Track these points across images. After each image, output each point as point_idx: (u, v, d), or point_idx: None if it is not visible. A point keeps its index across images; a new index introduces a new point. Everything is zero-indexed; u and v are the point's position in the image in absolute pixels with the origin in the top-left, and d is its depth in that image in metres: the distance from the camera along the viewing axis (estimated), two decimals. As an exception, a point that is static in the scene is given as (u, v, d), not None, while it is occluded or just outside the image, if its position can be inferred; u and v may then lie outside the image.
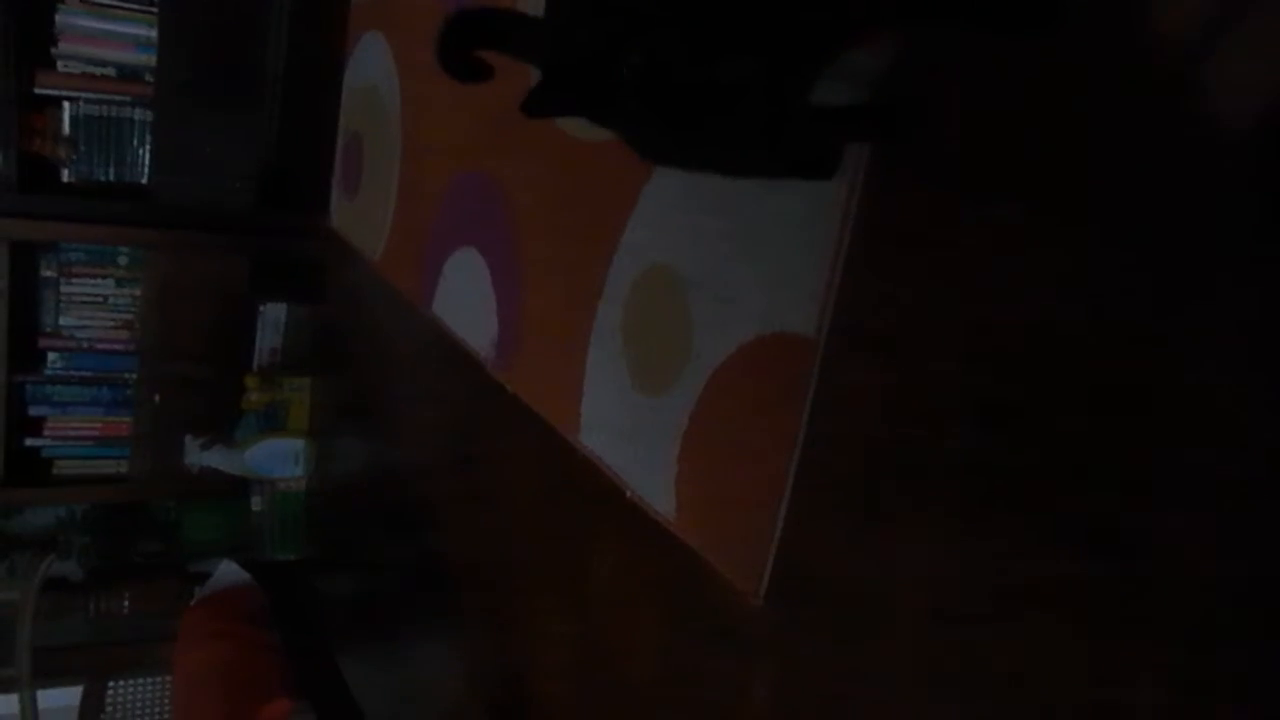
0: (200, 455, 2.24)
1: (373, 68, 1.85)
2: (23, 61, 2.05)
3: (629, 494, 1.10)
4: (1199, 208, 0.60)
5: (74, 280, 2.33)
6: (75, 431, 2.42)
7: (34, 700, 2.26)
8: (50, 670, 2.33)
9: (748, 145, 0.75)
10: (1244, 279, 0.58)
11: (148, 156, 2.23)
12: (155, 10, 2.14)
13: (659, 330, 1.06)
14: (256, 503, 2.35)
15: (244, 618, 2.00)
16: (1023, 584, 0.70)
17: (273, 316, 2.40)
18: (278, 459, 2.23)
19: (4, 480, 2.29)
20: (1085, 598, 0.66)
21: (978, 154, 0.74)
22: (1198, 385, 0.60)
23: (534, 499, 1.35)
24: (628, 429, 1.11)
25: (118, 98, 2.18)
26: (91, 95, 2.16)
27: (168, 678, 2.42)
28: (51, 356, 2.34)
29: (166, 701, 2.58)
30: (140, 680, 2.56)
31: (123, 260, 2.36)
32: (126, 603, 2.43)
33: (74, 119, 2.15)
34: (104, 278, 2.36)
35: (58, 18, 2.09)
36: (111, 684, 2.53)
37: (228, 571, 2.17)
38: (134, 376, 2.42)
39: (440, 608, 1.65)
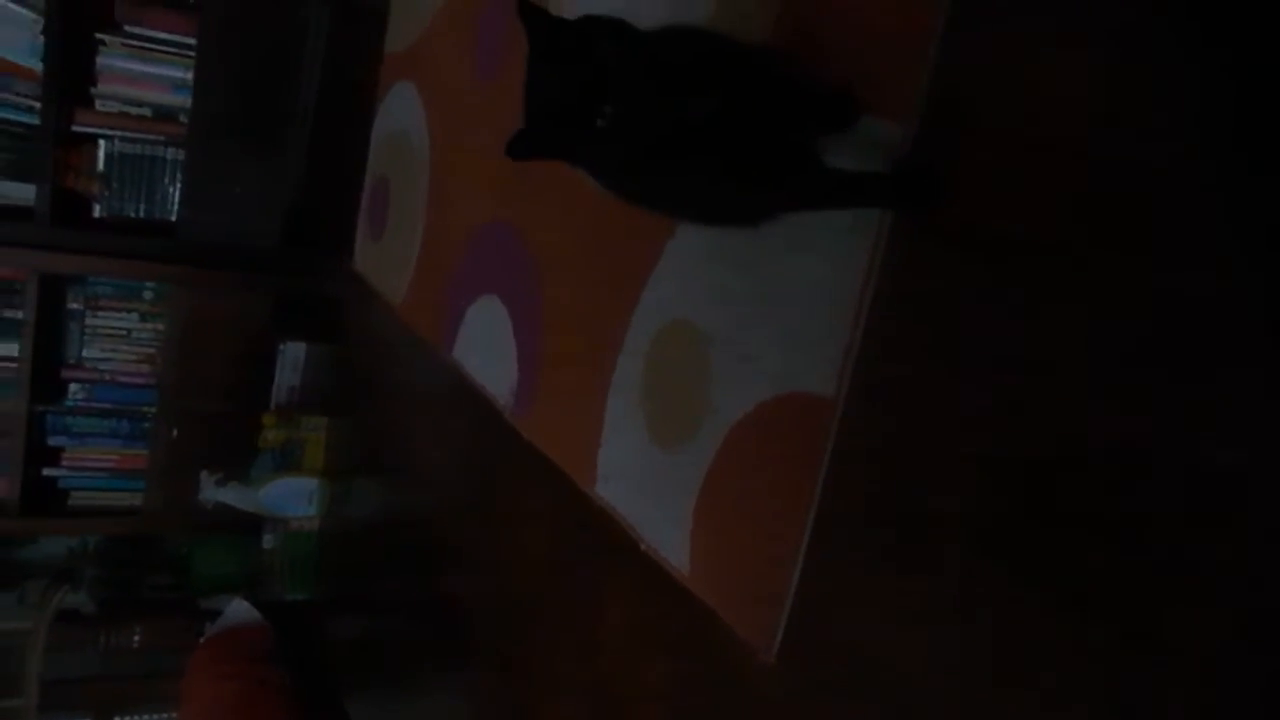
0: (215, 491, 2.25)
1: (403, 116, 1.88)
2: (63, 100, 2.10)
3: (644, 546, 1.11)
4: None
5: (100, 313, 2.36)
6: (92, 463, 2.43)
7: (40, 733, 2.25)
8: (58, 703, 2.32)
9: (721, 181, 0.81)
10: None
11: (178, 195, 2.27)
12: (193, 54, 2.19)
13: (678, 385, 1.07)
14: (268, 541, 2.35)
15: (253, 657, 2.00)
16: (1026, 653, 0.70)
17: (292, 355, 2.42)
18: (292, 498, 2.24)
19: (20, 509, 2.30)
20: (1089, 667, 0.66)
21: (999, 223, 0.75)
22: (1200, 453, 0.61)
23: (548, 546, 1.36)
24: (644, 482, 1.12)
25: (152, 137, 2.23)
26: (127, 134, 2.21)
27: (175, 715, 2.40)
28: (73, 388, 2.36)
29: (173, 738, 2.57)
30: (148, 716, 2.55)
31: (148, 295, 2.40)
32: (137, 637, 2.43)
33: (109, 156, 2.20)
34: (129, 311, 2.39)
35: (99, 59, 2.15)
36: (118, 719, 2.52)
37: (238, 609, 2.17)
38: (153, 410, 2.44)
39: (450, 651, 1.65)
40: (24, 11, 2.05)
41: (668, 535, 1.07)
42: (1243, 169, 0.61)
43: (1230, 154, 0.62)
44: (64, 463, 2.40)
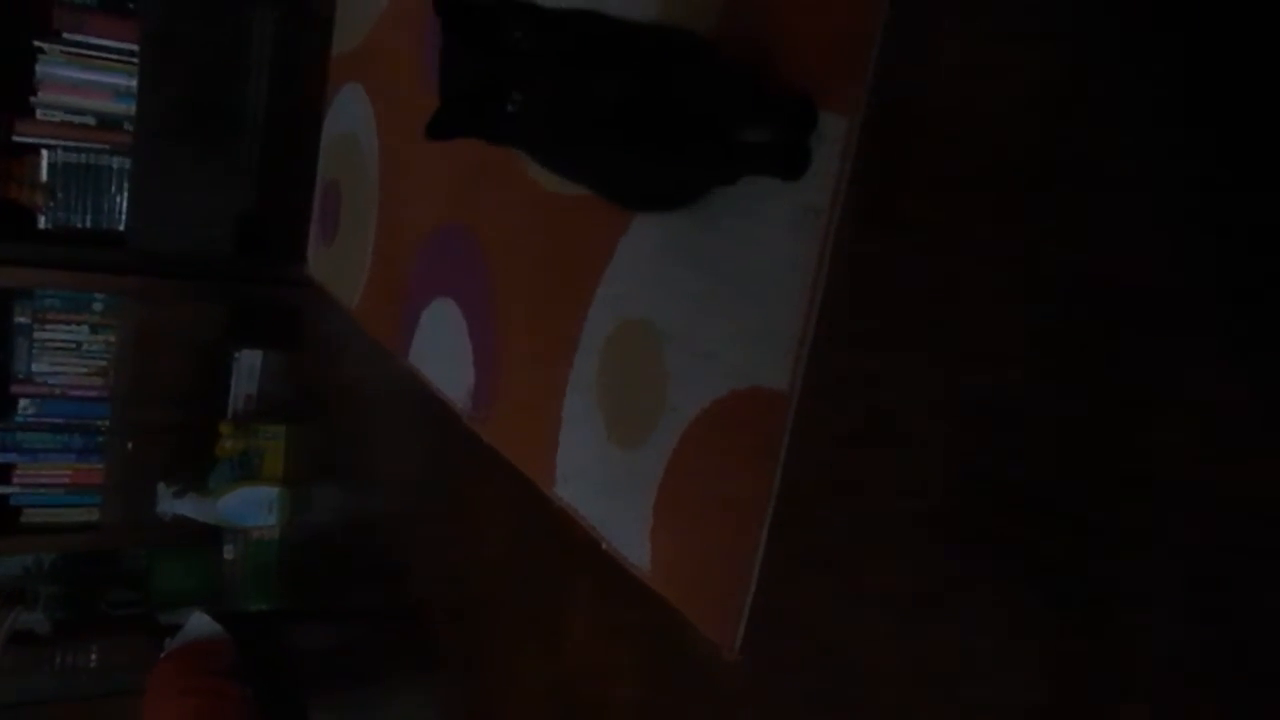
0: (173, 503, 2.21)
1: (352, 118, 1.86)
2: (2, 109, 2.05)
3: (605, 546, 1.10)
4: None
5: (48, 327, 2.31)
6: (45, 479, 2.38)
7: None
8: (12, 729, 2.28)
9: (629, 158, 0.86)
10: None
11: (125, 204, 2.23)
12: (135, 60, 2.15)
13: (635, 383, 1.07)
14: (229, 551, 2.32)
15: (215, 671, 1.97)
16: (992, 640, 0.71)
17: (248, 363, 2.38)
18: (251, 507, 2.20)
19: (-30, 529, 2.25)
20: (1057, 651, 0.66)
21: (943, 215, 0.76)
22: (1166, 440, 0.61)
23: (509, 547, 1.35)
24: (603, 481, 1.12)
25: (96, 146, 2.19)
26: (70, 143, 2.16)
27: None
28: (23, 403, 2.31)
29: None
30: (106, 738, 2.51)
31: (97, 307, 2.35)
32: (94, 656, 2.38)
33: (52, 166, 2.15)
34: (78, 324, 2.34)
35: (38, 67, 2.10)
36: (76, 742, 2.47)
37: (199, 623, 2.14)
38: (106, 423, 2.39)
39: (414, 656, 1.63)
40: (-42, 20, 2.00)
41: (628, 534, 1.06)
42: (1193, 170, 0.62)
43: (1176, 151, 0.62)
44: (15, 480, 2.34)
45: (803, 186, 0.87)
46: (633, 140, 0.83)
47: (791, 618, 0.88)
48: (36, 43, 2.09)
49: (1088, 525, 0.65)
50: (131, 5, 2.17)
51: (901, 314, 0.79)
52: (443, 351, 1.48)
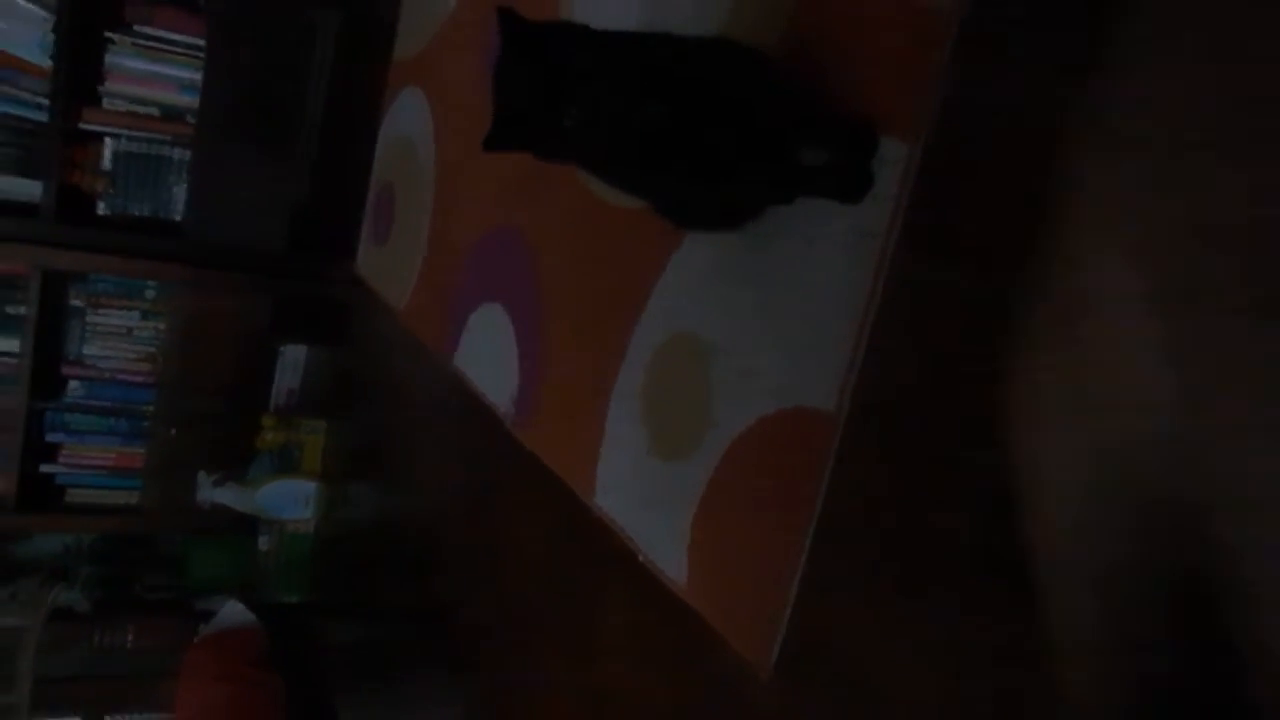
0: (212, 492, 2.24)
1: (409, 122, 1.89)
2: (71, 98, 2.10)
3: (642, 558, 1.11)
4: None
5: (101, 311, 2.36)
6: (90, 460, 2.43)
7: (31, 730, 2.25)
8: (49, 701, 2.31)
9: (684, 181, 0.87)
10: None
11: (183, 194, 2.27)
12: (201, 55, 2.20)
13: (680, 397, 1.07)
14: (264, 542, 2.35)
15: (247, 659, 1.99)
16: (1027, 671, 0.70)
17: (292, 357, 2.42)
18: (288, 500, 2.23)
19: (16, 504, 2.30)
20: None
21: (1003, 241, 0.76)
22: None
23: (546, 554, 1.36)
24: (643, 493, 1.12)
25: (158, 136, 2.24)
26: (133, 133, 2.21)
27: (167, 716, 2.40)
28: (72, 384, 2.36)
29: (164, 740, 2.56)
30: (139, 717, 2.54)
31: (150, 294, 2.40)
32: (130, 637, 2.42)
33: (115, 155, 2.20)
34: (130, 310, 2.39)
35: (108, 57, 2.16)
36: (109, 719, 2.51)
37: (233, 611, 2.17)
38: (151, 409, 2.44)
39: (444, 656, 1.64)
40: (35, 9, 2.05)
41: (666, 548, 1.07)
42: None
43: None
44: (61, 459, 2.39)
45: (859, 210, 0.87)
46: (687, 161, 0.84)
47: (828, 643, 0.87)
48: (107, 34, 2.14)
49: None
50: (201, 2, 2.22)
51: (954, 341, 0.79)
52: (488, 356, 1.50)
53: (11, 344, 2.23)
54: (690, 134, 0.82)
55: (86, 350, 2.37)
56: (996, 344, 0.75)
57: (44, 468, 2.37)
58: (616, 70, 0.80)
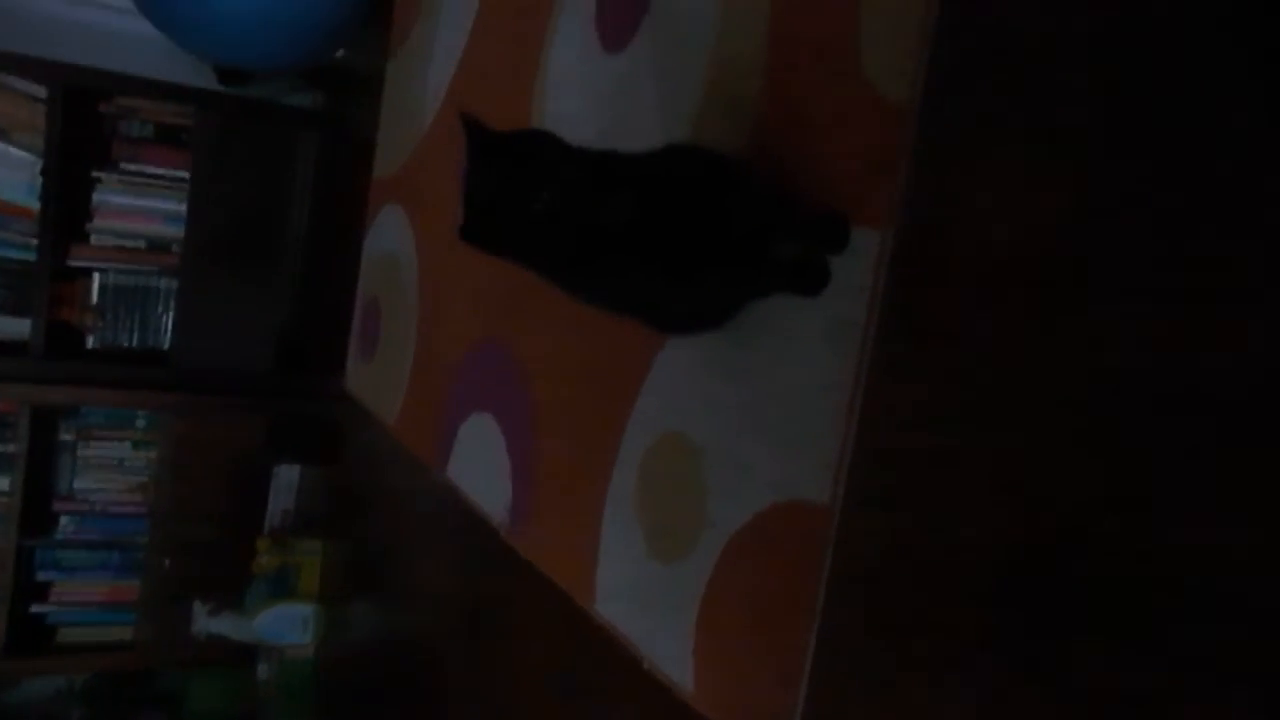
0: (208, 622, 2.20)
1: (391, 238, 1.92)
2: (59, 237, 2.13)
3: (646, 665, 1.08)
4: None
5: (92, 444, 2.35)
6: (82, 596, 2.38)
7: None
8: None
9: (653, 281, 0.86)
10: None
11: (170, 322, 2.29)
12: (186, 186, 2.24)
13: (674, 498, 1.06)
14: (263, 671, 2.29)
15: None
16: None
17: (286, 478, 2.40)
18: (286, 625, 2.19)
19: (6, 650, 2.24)
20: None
21: (985, 322, 0.76)
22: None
23: (548, 666, 1.32)
24: (644, 598, 1.10)
25: (145, 268, 2.27)
26: (121, 266, 2.24)
27: None
28: (64, 520, 2.34)
29: None
30: None
31: (140, 424, 2.39)
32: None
33: (103, 288, 2.23)
34: (121, 440, 2.38)
35: (95, 195, 2.20)
36: None
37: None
38: (145, 540, 2.40)
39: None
40: (24, 154, 2.10)
41: (670, 653, 1.04)
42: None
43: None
44: (53, 598, 2.35)
45: (838, 300, 0.88)
46: (658, 257, 0.84)
47: (841, 741, 0.85)
48: (95, 173, 2.19)
49: (1168, 653, 0.63)
50: (184, 137, 2.27)
51: (942, 424, 0.78)
52: (481, 466, 1.49)
53: (1, 482, 2.21)
54: (659, 227, 0.82)
55: (78, 484, 2.35)
56: (986, 425, 0.75)
57: (35, 608, 2.32)
58: (583, 164, 0.82)
